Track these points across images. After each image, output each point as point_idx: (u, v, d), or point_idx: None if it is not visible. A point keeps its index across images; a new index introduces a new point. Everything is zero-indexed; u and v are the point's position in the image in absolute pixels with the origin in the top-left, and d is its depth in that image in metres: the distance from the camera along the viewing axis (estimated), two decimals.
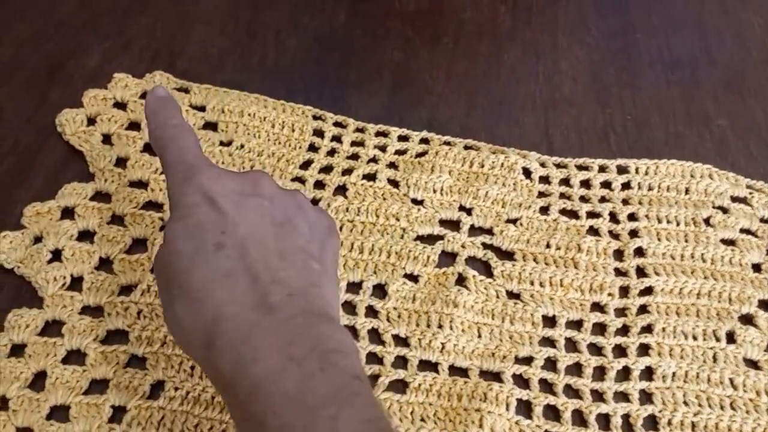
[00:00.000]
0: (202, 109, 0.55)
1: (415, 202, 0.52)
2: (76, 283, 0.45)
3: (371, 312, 0.46)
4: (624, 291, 0.49)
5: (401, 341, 0.45)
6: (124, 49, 0.63)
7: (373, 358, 0.44)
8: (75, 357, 0.42)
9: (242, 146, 0.53)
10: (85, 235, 0.47)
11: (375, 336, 0.45)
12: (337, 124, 0.56)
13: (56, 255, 0.46)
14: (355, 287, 0.47)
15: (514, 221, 0.52)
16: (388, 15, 0.69)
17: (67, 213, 0.48)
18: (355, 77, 0.63)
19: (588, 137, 0.59)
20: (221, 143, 0.53)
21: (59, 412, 0.40)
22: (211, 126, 0.54)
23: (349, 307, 0.46)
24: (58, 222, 0.47)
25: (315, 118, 0.56)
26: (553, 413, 0.43)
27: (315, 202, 0.51)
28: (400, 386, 0.43)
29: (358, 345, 0.44)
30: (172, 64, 0.62)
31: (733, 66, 0.67)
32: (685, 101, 0.63)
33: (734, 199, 0.55)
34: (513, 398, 0.43)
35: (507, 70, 0.66)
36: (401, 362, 0.44)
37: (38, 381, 0.41)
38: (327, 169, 0.53)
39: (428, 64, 0.65)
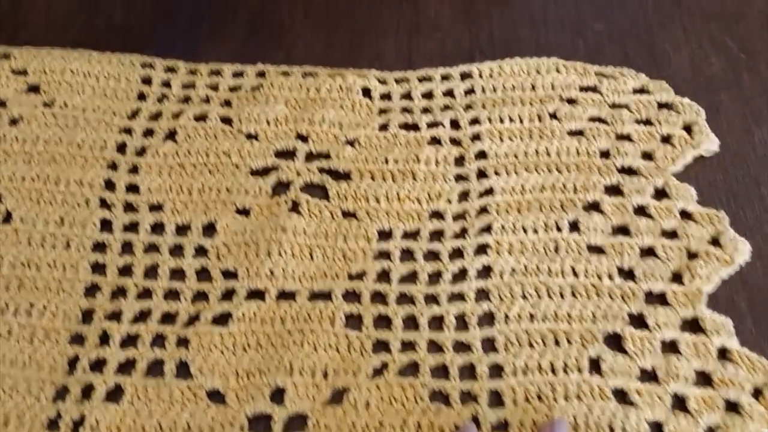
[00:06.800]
0: (24, 72, 0.53)
1: (248, 136, 0.51)
2: None
3: (200, 251, 0.45)
4: (464, 196, 0.48)
5: (230, 275, 0.44)
6: None
7: (201, 297, 0.43)
8: None
9: (65, 104, 0.51)
10: None
11: (204, 274, 0.44)
12: (168, 69, 0.54)
13: None
14: (183, 229, 0.46)
15: (351, 142, 0.50)
16: None
17: None
18: (209, 26, 0.61)
19: (453, 60, 0.57)
20: (44, 104, 0.51)
21: None
22: (34, 89, 0.53)
23: (177, 250, 0.45)
24: None
25: (143, 66, 0.54)
26: (384, 322, 0.42)
27: (143, 150, 0.50)
28: (225, 319, 0.42)
29: (184, 286, 0.43)
30: (14, 36, 0.59)
31: None
32: (558, 9, 0.61)
33: (583, 89, 0.53)
34: (340, 313, 0.42)
35: (368, 1, 0.63)
36: (229, 296, 0.43)
37: None
38: (156, 116, 0.52)
39: (285, 2, 0.63)
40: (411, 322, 0.42)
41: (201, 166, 0.49)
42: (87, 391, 0.39)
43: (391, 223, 0.46)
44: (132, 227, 0.46)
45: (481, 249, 0.45)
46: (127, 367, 0.40)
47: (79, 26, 0.60)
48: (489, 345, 0.41)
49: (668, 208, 0.46)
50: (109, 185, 0.48)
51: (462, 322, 0.42)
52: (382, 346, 0.41)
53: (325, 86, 0.53)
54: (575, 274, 0.44)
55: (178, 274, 0.44)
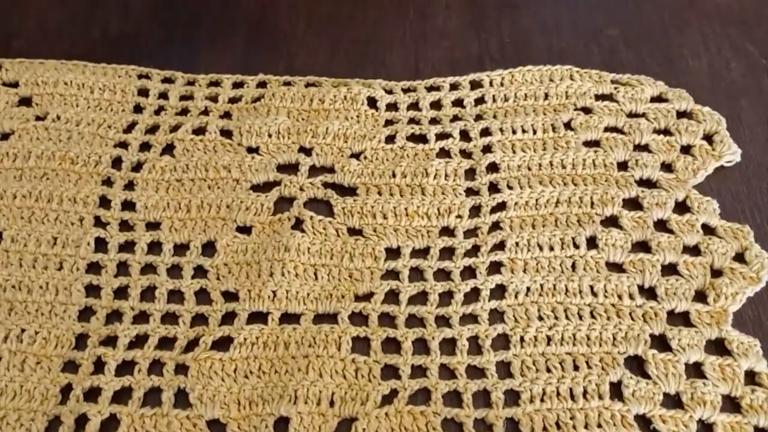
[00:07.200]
0: (16, 84, 0.51)
1: (249, 150, 0.49)
2: None
3: (200, 272, 0.43)
4: (475, 211, 0.46)
5: (231, 297, 0.42)
6: None
7: (200, 320, 0.41)
8: None
9: (58, 118, 0.49)
10: None
11: (204, 296, 0.42)
12: (165, 80, 0.52)
13: None
14: (182, 249, 0.44)
15: (357, 155, 0.48)
16: None
17: None
18: (207, 34, 0.59)
19: (462, 69, 0.54)
20: (36, 118, 0.49)
21: None
22: (26, 102, 0.51)
23: (176, 270, 0.43)
24: None
25: (140, 77, 0.52)
26: (393, 346, 0.40)
27: (139, 165, 0.48)
28: (225, 344, 0.40)
29: (183, 309, 0.41)
30: (6, 47, 0.57)
31: None
32: (571, 14, 0.59)
33: (598, 98, 0.51)
34: (347, 337, 0.40)
35: (374, 8, 0.61)
36: (230, 318, 0.41)
37: None
38: (153, 129, 0.50)
39: (287, 9, 0.61)
40: (421, 346, 0.40)
41: (200, 182, 0.47)
42: (81, 422, 0.37)
43: (399, 241, 0.44)
44: (128, 247, 0.44)
45: (495, 267, 0.43)
46: (122, 396, 0.38)
47: (73, 36, 0.58)
48: (504, 370, 0.39)
49: (690, 223, 0.44)
50: (104, 202, 0.46)
51: (475, 346, 0.40)
52: (391, 371, 0.39)
53: (329, 97, 0.51)
54: (594, 293, 0.42)
55: (176, 296, 0.42)
